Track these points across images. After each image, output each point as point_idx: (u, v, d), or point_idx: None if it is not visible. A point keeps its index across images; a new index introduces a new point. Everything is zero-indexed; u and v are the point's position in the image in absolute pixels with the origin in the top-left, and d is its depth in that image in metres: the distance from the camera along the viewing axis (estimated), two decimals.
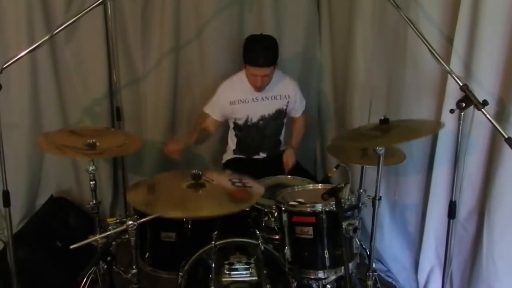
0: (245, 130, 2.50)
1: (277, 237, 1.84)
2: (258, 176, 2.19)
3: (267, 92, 2.43)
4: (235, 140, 2.55)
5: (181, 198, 1.64)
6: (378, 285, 2.12)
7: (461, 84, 1.58)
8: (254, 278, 1.62)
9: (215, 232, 1.79)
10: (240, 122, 2.48)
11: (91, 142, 1.94)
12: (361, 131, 1.92)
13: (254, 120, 2.47)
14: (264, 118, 2.47)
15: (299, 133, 2.62)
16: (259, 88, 2.36)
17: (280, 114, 2.49)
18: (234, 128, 2.53)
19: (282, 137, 2.61)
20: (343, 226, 1.62)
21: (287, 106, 2.49)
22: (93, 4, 1.86)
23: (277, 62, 2.33)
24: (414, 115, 2.17)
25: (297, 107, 2.56)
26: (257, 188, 1.74)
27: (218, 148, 2.82)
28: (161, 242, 1.87)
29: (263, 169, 2.36)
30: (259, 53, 2.26)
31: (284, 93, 2.46)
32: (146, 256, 1.90)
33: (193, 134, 2.38)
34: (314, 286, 1.76)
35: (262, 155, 2.56)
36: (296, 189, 1.90)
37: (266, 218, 1.92)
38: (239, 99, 2.42)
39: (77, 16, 1.86)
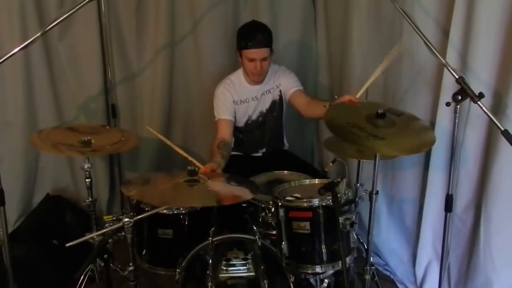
0: (246, 130, 2.48)
1: (274, 232, 1.84)
2: (256, 173, 2.20)
3: (263, 88, 2.41)
4: (233, 139, 2.52)
5: (173, 190, 1.66)
6: (376, 279, 2.13)
7: (457, 77, 1.58)
8: (251, 274, 1.62)
9: (212, 228, 1.78)
10: (241, 124, 2.45)
11: (86, 139, 1.93)
12: (355, 120, 1.85)
13: (254, 117, 2.46)
14: (262, 113, 2.46)
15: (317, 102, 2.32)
16: (259, 75, 2.32)
17: (275, 104, 2.47)
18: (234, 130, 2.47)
19: (283, 131, 2.59)
20: (340, 221, 1.62)
21: (280, 95, 2.46)
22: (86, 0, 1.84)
23: (272, 48, 2.29)
24: (410, 108, 2.15)
25: (290, 84, 2.41)
26: (247, 193, 1.73)
27: None
28: (158, 239, 1.87)
29: (262, 166, 2.32)
30: (256, 33, 2.22)
31: (275, 84, 2.43)
32: (143, 253, 1.89)
33: (216, 155, 2.14)
34: (311, 281, 1.76)
35: (261, 151, 2.54)
36: (293, 184, 1.90)
37: (263, 214, 1.91)
38: (240, 99, 2.39)
39: (70, 12, 1.84)
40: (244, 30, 2.30)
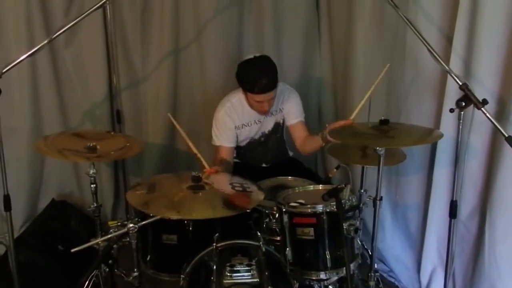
0: (248, 148, 2.44)
1: (278, 238, 1.84)
2: (260, 179, 2.17)
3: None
4: (234, 153, 2.47)
5: (179, 199, 1.66)
6: (381, 285, 2.12)
7: (460, 83, 1.58)
8: (255, 280, 1.62)
9: (217, 234, 1.78)
10: (243, 144, 2.41)
11: (91, 145, 1.94)
12: (360, 130, 1.92)
13: (256, 137, 2.42)
14: (265, 134, 2.43)
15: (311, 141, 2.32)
16: (267, 112, 2.26)
17: (278, 127, 2.43)
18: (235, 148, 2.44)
19: (286, 146, 2.56)
20: (344, 227, 1.62)
21: (283, 119, 2.41)
22: (92, 8, 1.86)
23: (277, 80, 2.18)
24: (414, 114, 2.17)
25: (294, 113, 2.37)
26: (257, 194, 1.74)
27: None
28: (162, 244, 1.87)
29: (266, 175, 2.26)
30: (262, 78, 2.08)
31: (278, 107, 2.35)
32: (148, 258, 1.90)
33: (220, 167, 2.13)
34: (315, 287, 1.76)
35: (265, 165, 2.52)
36: (297, 190, 1.90)
37: (267, 220, 1.91)
38: (242, 124, 2.32)
39: (77, 20, 1.86)
40: (249, 73, 2.14)
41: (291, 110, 2.38)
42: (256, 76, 2.11)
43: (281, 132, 2.47)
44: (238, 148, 2.44)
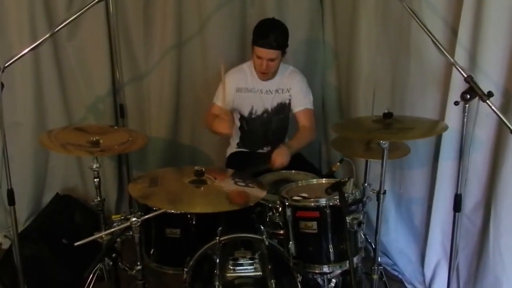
0: (250, 123, 2.48)
1: (281, 232, 1.84)
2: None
3: (271, 86, 2.41)
4: (238, 133, 2.54)
5: (180, 192, 1.66)
6: (384, 278, 2.12)
7: (465, 76, 1.56)
8: (258, 273, 1.62)
9: (220, 228, 1.79)
10: (245, 113, 2.46)
11: (94, 139, 1.94)
12: (364, 123, 1.91)
13: (259, 112, 2.45)
14: (267, 112, 2.45)
15: (300, 140, 2.36)
16: (264, 74, 2.33)
17: (283, 108, 2.45)
18: (240, 120, 2.50)
19: (287, 132, 2.57)
20: (347, 220, 1.61)
21: (289, 100, 2.44)
22: (94, 1, 1.85)
23: (285, 50, 2.28)
24: (418, 107, 2.16)
25: (299, 100, 2.40)
26: (258, 191, 1.73)
27: (221, 143, 2.81)
28: (166, 238, 1.87)
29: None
30: (269, 34, 2.19)
31: (286, 87, 2.41)
32: (151, 252, 1.90)
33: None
34: (319, 280, 1.76)
35: (266, 149, 2.54)
36: (300, 184, 1.89)
37: (270, 213, 1.91)
38: (245, 87, 2.39)
39: (79, 13, 1.86)
40: (260, 26, 2.28)
41: (298, 96, 2.41)
42: (265, 29, 2.23)
43: (286, 113, 2.49)
44: (243, 120, 2.48)
